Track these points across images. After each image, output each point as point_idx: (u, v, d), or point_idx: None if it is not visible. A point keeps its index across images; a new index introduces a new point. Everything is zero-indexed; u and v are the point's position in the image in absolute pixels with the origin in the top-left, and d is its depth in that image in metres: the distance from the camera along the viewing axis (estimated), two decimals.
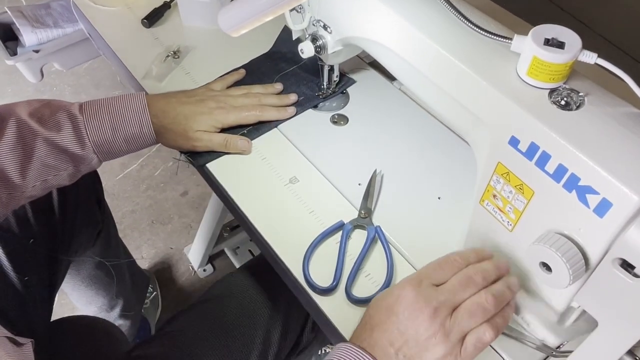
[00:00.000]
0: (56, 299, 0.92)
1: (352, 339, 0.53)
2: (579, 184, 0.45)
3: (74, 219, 0.91)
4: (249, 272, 0.85)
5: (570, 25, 0.48)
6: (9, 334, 0.59)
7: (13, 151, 0.66)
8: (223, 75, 0.86)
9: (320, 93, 0.83)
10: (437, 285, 0.52)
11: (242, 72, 0.87)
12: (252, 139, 0.78)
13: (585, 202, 0.45)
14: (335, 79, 0.83)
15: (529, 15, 0.89)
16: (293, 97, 0.82)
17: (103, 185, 1.03)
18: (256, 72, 0.87)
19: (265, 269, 0.82)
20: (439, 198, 0.72)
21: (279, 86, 0.84)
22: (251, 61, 0.89)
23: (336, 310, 0.62)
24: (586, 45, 0.47)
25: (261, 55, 0.90)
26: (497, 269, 0.53)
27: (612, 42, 1.69)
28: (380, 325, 0.52)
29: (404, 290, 0.52)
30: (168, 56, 0.90)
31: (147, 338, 0.86)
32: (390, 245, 0.67)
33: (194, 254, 1.48)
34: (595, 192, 0.44)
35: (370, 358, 0.50)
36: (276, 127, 0.80)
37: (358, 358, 0.50)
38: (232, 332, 0.79)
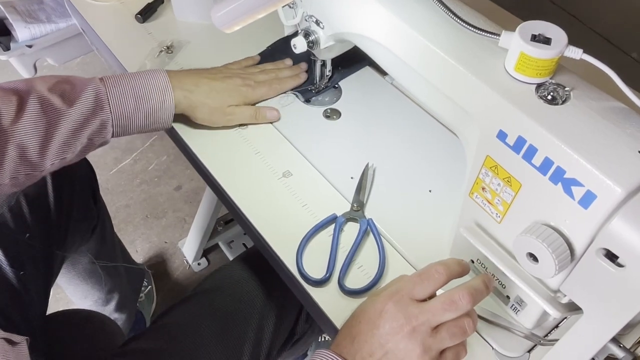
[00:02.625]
0: (51, 293, 0.93)
1: (334, 346, 0.55)
2: (565, 176, 0.46)
3: (70, 214, 0.91)
4: (242, 264, 0.86)
5: (561, 19, 0.50)
6: (4, 334, 0.59)
7: (35, 129, 0.64)
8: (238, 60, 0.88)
9: (313, 87, 0.84)
10: (420, 300, 0.54)
11: (257, 57, 0.89)
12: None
13: (571, 194, 0.46)
14: (327, 74, 0.84)
15: (520, 10, 0.90)
16: (304, 66, 0.87)
17: (97, 179, 1.04)
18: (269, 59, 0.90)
19: (258, 260, 0.83)
20: (430, 191, 0.73)
21: (288, 61, 0.88)
22: (264, 51, 0.91)
23: (329, 301, 0.63)
24: (576, 39, 0.49)
25: (273, 45, 0.92)
26: (485, 290, 0.55)
27: (601, 35, 1.70)
28: (361, 336, 0.53)
29: (386, 305, 0.54)
30: (161, 51, 0.91)
31: (141, 331, 0.86)
32: (382, 238, 0.68)
33: (189, 248, 1.49)
34: (580, 185, 0.45)
35: None
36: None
37: None
38: (225, 324, 0.79)
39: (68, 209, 0.91)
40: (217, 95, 0.76)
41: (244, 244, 1.48)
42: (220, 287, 0.84)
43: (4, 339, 0.59)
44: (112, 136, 0.72)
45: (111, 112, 0.69)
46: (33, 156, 0.65)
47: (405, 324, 0.52)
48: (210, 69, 0.82)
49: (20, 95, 0.65)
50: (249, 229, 0.71)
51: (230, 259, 1.45)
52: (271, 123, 0.81)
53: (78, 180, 0.94)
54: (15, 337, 0.60)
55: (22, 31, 1.11)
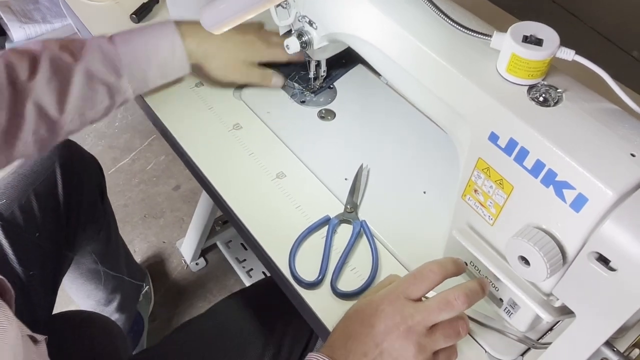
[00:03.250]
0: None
1: (325, 348, 0.54)
2: (556, 179, 0.46)
3: (79, 214, 0.91)
4: (242, 300, 0.85)
5: (561, 18, 0.49)
6: (29, 332, 0.59)
7: (50, 85, 0.67)
8: None
9: (309, 87, 0.84)
10: (415, 300, 0.53)
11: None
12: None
13: (562, 197, 0.46)
14: (322, 74, 0.83)
15: (521, 9, 0.90)
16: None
17: None
18: None
19: (262, 293, 0.82)
20: (424, 192, 0.73)
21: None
22: None
23: (322, 303, 0.63)
24: (577, 38, 0.48)
25: None
26: (481, 292, 0.55)
27: (602, 34, 1.70)
28: (356, 336, 0.53)
29: (381, 305, 0.53)
30: None
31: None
32: (375, 240, 0.67)
33: (187, 247, 1.49)
34: (571, 187, 0.45)
35: None
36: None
37: None
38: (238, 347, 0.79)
39: (77, 209, 0.91)
40: (233, 47, 0.77)
41: (242, 243, 1.48)
42: (216, 326, 0.83)
43: (29, 336, 0.59)
44: (133, 93, 0.74)
45: (121, 67, 0.71)
46: (51, 112, 0.68)
47: (401, 323, 0.52)
48: None
49: (34, 55, 0.68)
50: (241, 231, 0.71)
51: (228, 258, 1.45)
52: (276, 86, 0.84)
53: (87, 179, 0.94)
54: (37, 336, 0.60)
55: (17, 31, 1.11)
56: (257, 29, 0.84)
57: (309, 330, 0.81)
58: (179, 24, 0.75)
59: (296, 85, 0.84)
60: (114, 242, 1.11)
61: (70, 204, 0.89)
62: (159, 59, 0.73)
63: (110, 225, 1.08)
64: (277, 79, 0.83)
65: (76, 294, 1.13)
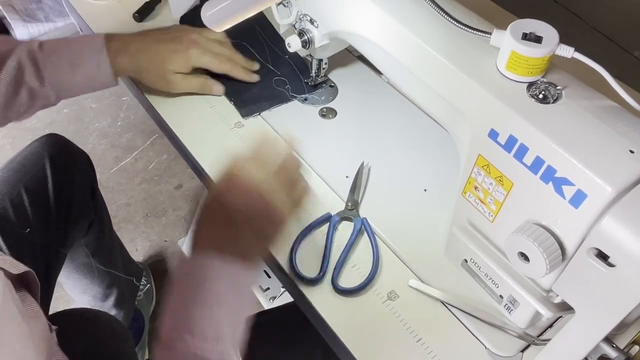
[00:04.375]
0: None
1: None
2: (555, 175, 0.46)
3: (69, 209, 0.92)
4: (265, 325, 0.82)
5: (564, 18, 0.49)
6: (47, 320, 0.59)
7: None
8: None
9: (309, 81, 0.84)
10: None
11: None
12: (243, 116, 0.81)
13: (561, 193, 0.46)
14: (324, 67, 0.83)
15: (523, 9, 0.90)
16: (256, 67, 0.86)
17: (97, 178, 1.04)
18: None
19: (283, 321, 0.81)
20: (425, 190, 0.73)
21: (256, 66, 0.87)
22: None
23: (322, 300, 0.63)
24: (579, 38, 0.48)
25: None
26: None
27: (604, 34, 1.70)
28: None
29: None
30: None
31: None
32: (376, 237, 0.68)
33: (188, 246, 1.49)
34: (570, 184, 0.45)
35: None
36: (269, 108, 0.82)
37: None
38: None
39: (68, 204, 0.91)
40: (160, 60, 0.77)
41: None
42: None
43: (48, 323, 0.59)
44: (56, 100, 0.75)
45: (45, 75, 0.72)
46: None
47: None
48: (166, 28, 0.82)
49: None
50: None
51: None
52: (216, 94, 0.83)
53: (78, 174, 0.94)
54: (51, 326, 0.61)
55: (20, 30, 1.11)
56: (195, 37, 0.81)
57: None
58: (111, 38, 0.75)
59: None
60: (107, 237, 1.11)
61: (61, 198, 0.89)
62: (84, 71, 0.74)
63: (103, 219, 1.08)
64: (217, 87, 0.82)
65: (72, 289, 1.13)
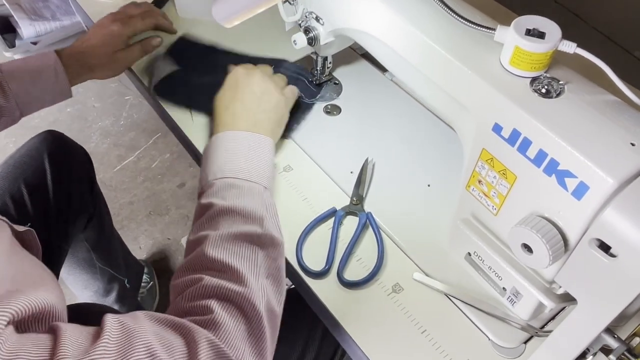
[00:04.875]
0: None
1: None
2: (558, 168, 0.47)
3: (69, 203, 0.92)
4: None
5: (564, 18, 0.50)
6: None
7: None
8: None
9: (314, 79, 0.85)
10: None
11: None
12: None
13: (564, 186, 0.47)
14: (329, 66, 0.84)
15: (523, 8, 0.91)
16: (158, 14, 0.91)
17: (100, 177, 1.05)
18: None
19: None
20: (428, 185, 0.74)
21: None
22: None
23: (328, 292, 0.64)
24: (579, 37, 0.49)
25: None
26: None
27: (604, 34, 1.71)
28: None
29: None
30: None
31: None
32: (380, 231, 0.69)
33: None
34: (573, 176, 0.46)
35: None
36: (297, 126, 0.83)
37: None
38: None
39: (67, 199, 0.92)
40: (100, 51, 0.82)
41: None
42: None
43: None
44: (21, 115, 0.79)
45: (8, 92, 0.76)
46: None
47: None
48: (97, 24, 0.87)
49: None
50: None
51: None
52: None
53: (76, 169, 0.95)
54: None
55: (27, 28, 1.12)
56: (114, 13, 0.88)
57: (333, 346, 0.80)
58: (61, 50, 0.81)
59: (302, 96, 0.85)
60: (107, 232, 1.12)
61: (60, 193, 0.90)
62: (44, 84, 0.78)
63: (102, 214, 1.09)
64: (154, 40, 0.88)
65: (74, 284, 1.14)
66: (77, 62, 0.81)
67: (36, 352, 0.37)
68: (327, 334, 0.73)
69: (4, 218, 0.53)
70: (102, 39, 0.83)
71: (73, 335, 0.40)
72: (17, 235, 0.56)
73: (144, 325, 0.43)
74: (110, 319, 0.43)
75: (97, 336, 0.41)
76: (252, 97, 0.70)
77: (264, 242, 0.56)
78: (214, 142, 0.66)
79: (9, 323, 0.39)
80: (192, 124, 0.81)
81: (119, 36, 0.83)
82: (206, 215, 0.58)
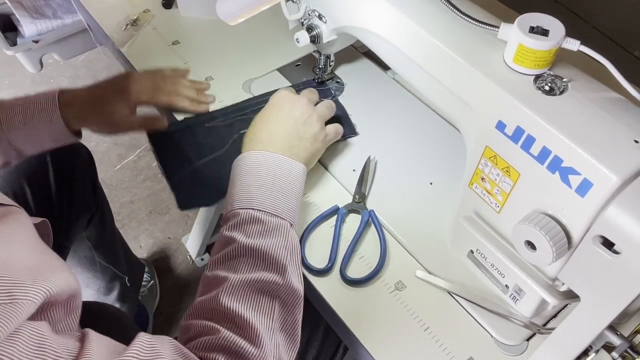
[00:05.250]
0: None
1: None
2: (562, 165, 0.47)
3: (71, 201, 0.92)
4: None
5: (563, 16, 0.51)
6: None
7: None
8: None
9: (317, 77, 0.85)
10: None
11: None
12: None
13: (568, 183, 0.47)
14: (331, 64, 0.85)
15: (522, 7, 0.91)
16: (211, 98, 0.82)
17: (101, 176, 1.05)
18: None
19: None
20: (431, 183, 0.74)
21: (206, 85, 0.84)
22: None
23: (331, 290, 0.64)
24: (578, 36, 0.49)
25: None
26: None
27: (604, 33, 1.71)
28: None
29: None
30: (127, 25, 0.95)
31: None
32: (383, 229, 0.69)
33: (192, 243, 1.50)
34: (576, 173, 0.46)
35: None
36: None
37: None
38: None
39: (69, 197, 0.92)
40: (101, 108, 0.75)
41: None
42: None
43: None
44: (17, 155, 0.75)
45: (5, 134, 0.72)
46: None
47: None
48: (109, 78, 0.80)
49: None
50: None
51: None
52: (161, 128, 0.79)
53: (78, 168, 0.95)
54: None
55: (28, 26, 1.12)
56: (135, 76, 0.79)
57: (335, 343, 0.80)
58: (62, 93, 0.75)
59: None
60: (109, 231, 1.12)
61: (62, 191, 0.90)
62: (39, 125, 0.73)
63: (104, 213, 1.09)
64: (158, 121, 0.79)
65: None
66: (73, 109, 0.75)
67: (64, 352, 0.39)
68: (330, 332, 0.73)
69: (22, 208, 0.53)
70: (109, 99, 0.76)
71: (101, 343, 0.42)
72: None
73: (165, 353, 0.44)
74: (142, 338, 0.44)
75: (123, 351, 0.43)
76: (293, 121, 0.67)
77: (284, 294, 0.54)
78: (245, 160, 0.63)
79: (43, 303, 0.40)
80: None
81: (126, 102, 0.76)
82: (227, 250, 0.57)
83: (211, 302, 0.52)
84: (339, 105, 0.83)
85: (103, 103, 0.76)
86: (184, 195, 0.72)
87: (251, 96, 0.85)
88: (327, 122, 0.73)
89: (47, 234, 0.62)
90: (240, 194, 0.60)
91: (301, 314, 0.56)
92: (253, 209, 0.59)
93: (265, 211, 0.59)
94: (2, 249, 0.43)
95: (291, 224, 0.61)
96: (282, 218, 0.60)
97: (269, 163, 0.63)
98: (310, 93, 0.73)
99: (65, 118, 0.74)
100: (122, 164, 1.73)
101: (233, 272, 0.54)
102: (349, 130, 0.80)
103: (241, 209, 0.59)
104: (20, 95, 0.75)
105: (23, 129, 0.73)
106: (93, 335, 0.43)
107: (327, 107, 0.73)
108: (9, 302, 0.38)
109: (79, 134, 0.78)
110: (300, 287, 0.56)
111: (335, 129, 0.73)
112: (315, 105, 0.72)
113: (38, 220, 0.59)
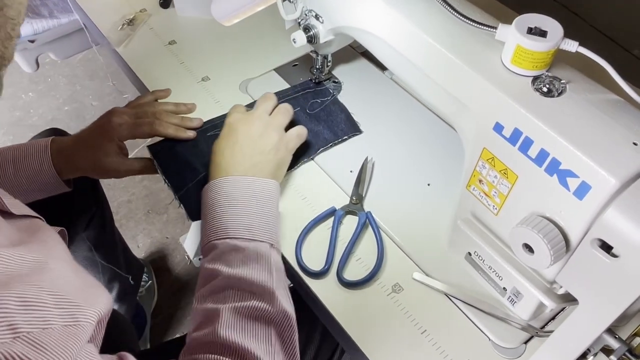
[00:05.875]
0: None
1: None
2: (560, 167, 0.47)
3: (71, 201, 0.92)
4: None
5: (562, 16, 0.50)
6: None
7: None
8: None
9: (314, 77, 0.85)
10: None
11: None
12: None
13: (566, 185, 0.47)
14: (328, 64, 0.84)
15: (521, 6, 0.91)
16: (197, 122, 0.79)
17: None
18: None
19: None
20: (428, 185, 0.74)
21: (191, 105, 0.82)
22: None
23: (328, 292, 0.64)
24: (577, 35, 0.49)
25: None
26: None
27: (602, 32, 1.70)
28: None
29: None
30: (124, 24, 0.94)
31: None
32: (380, 230, 0.68)
33: (190, 243, 1.49)
34: (575, 176, 0.46)
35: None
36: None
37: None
38: None
39: (70, 197, 0.92)
40: (92, 154, 0.74)
41: None
42: None
43: None
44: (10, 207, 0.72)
45: None
46: None
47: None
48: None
49: None
50: None
51: None
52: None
53: None
54: None
55: (24, 26, 1.11)
56: (114, 112, 0.77)
57: (332, 345, 0.80)
58: (53, 141, 0.73)
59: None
60: (108, 231, 1.12)
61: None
62: (28, 172, 0.72)
63: (104, 213, 1.09)
64: (139, 165, 0.77)
65: None
66: (63, 156, 0.73)
67: None
68: (326, 334, 0.72)
69: (43, 219, 0.52)
70: (96, 143, 0.73)
71: None
72: None
73: None
74: None
75: None
76: (249, 140, 0.67)
77: (277, 320, 0.54)
78: (212, 189, 0.63)
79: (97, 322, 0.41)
80: None
81: (111, 142, 0.74)
82: (213, 283, 0.57)
83: (209, 336, 0.52)
84: (339, 105, 0.82)
85: (90, 147, 0.74)
86: (194, 206, 0.71)
87: (249, 97, 0.85)
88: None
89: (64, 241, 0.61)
90: (213, 225, 0.60)
91: (297, 334, 0.56)
92: (229, 237, 0.59)
93: (242, 238, 0.59)
94: (55, 268, 0.42)
95: (271, 244, 0.60)
96: (260, 241, 0.60)
97: (236, 187, 0.63)
98: (265, 101, 0.72)
99: (57, 166, 0.73)
100: None
101: (223, 304, 0.54)
102: (353, 129, 0.80)
103: (218, 239, 0.59)
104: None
105: (13, 179, 0.71)
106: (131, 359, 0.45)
107: (282, 114, 0.71)
108: (74, 325, 0.39)
109: (69, 184, 0.77)
110: (291, 308, 0.56)
111: (297, 132, 0.72)
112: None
113: (57, 229, 0.58)
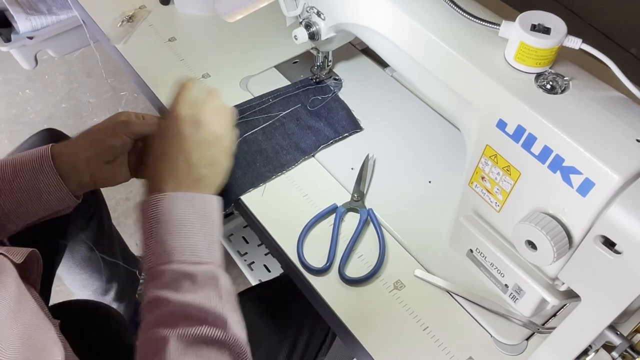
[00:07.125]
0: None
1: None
2: (563, 164, 0.47)
3: None
4: (255, 297, 0.83)
5: (560, 14, 0.50)
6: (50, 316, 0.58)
7: None
8: None
9: (315, 75, 0.85)
10: None
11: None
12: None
13: (569, 182, 0.47)
14: (329, 64, 0.84)
15: (520, 5, 0.91)
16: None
17: None
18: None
19: (278, 290, 0.82)
20: (429, 182, 0.74)
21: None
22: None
23: (329, 289, 0.64)
24: (575, 34, 0.49)
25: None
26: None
27: (600, 31, 1.71)
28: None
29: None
30: (123, 21, 0.94)
31: None
32: (382, 227, 0.68)
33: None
34: (578, 172, 0.46)
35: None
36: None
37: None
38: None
39: None
40: (87, 162, 0.67)
41: (243, 237, 1.49)
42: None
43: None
44: (16, 228, 0.68)
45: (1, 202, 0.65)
46: None
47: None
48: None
49: None
50: (250, 219, 0.72)
51: (230, 251, 1.45)
52: None
53: None
54: (53, 320, 0.60)
55: (23, 22, 1.11)
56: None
57: (324, 330, 0.80)
58: (54, 146, 0.67)
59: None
60: (107, 230, 1.11)
61: None
62: (31, 183, 0.66)
63: (102, 212, 1.08)
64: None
65: (72, 283, 1.13)
66: (65, 163, 0.67)
67: None
68: (318, 320, 0.71)
69: (5, 252, 0.49)
70: (88, 143, 0.68)
71: None
72: (18, 266, 0.52)
73: None
74: None
75: None
76: (197, 147, 0.59)
77: (231, 346, 0.51)
78: (153, 205, 0.56)
79: None
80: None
81: (102, 147, 0.67)
82: (160, 312, 0.52)
83: None
84: (340, 102, 0.82)
85: (100, 138, 0.68)
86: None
87: (249, 94, 0.85)
88: None
89: (36, 262, 0.58)
90: (156, 249, 0.55)
91: (251, 357, 0.53)
92: (174, 262, 0.54)
93: (188, 262, 0.55)
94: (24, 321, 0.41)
95: (218, 265, 0.57)
96: (206, 263, 0.56)
97: (179, 206, 0.57)
98: (211, 96, 0.63)
99: (60, 169, 0.66)
100: None
101: (173, 331, 0.50)
102: (354, 126, 0.80)
103: (162, 264, 0.54)
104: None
105: (13, 187, 0.65)
106: None
107: (211, 98, 0.63)
108: None
109: (77, 196, 0.70)
110: (243, 334, 0.54)
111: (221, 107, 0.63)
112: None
113: (28, 251, 0.55)
